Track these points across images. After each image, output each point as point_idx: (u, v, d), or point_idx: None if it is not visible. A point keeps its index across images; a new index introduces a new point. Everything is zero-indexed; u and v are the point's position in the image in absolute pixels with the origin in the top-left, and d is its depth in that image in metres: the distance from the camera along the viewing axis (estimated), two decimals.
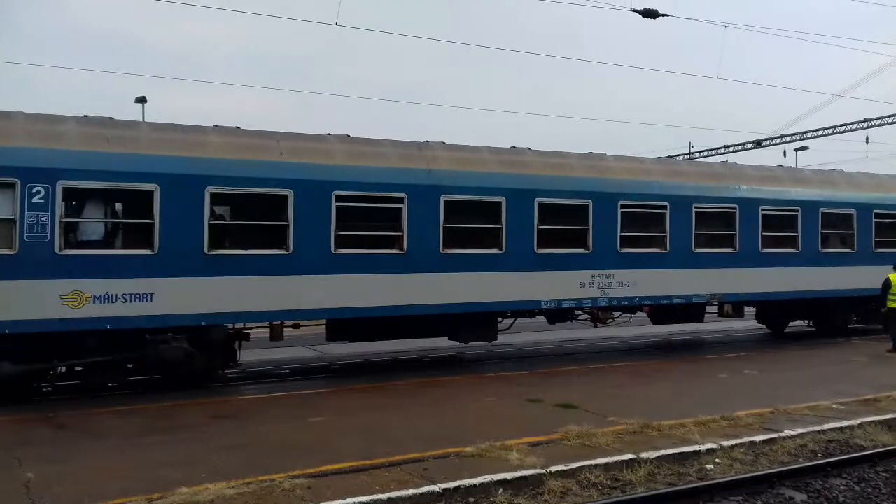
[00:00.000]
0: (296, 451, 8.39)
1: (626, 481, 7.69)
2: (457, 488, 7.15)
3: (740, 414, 10.30)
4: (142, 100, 33.85)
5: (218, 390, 12.64)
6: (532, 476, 7.54)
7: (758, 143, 45.32)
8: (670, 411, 10.34)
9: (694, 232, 16.53)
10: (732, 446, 8.83)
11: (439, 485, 7.16)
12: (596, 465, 7.90)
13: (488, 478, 7.37)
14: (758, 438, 9.16)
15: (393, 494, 6.90)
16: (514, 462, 7.87)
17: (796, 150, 46.53)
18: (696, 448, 8.65)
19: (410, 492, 6.99)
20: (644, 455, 8.27)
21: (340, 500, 6.66)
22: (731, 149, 46.50)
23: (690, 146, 53.10)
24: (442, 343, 18.25)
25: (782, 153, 48.61)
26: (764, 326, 21.70)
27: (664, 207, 16.25)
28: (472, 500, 7.10)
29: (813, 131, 43.41)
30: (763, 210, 17.57)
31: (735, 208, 17.18)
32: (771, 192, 18.00)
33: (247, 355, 15.75)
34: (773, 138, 45.11)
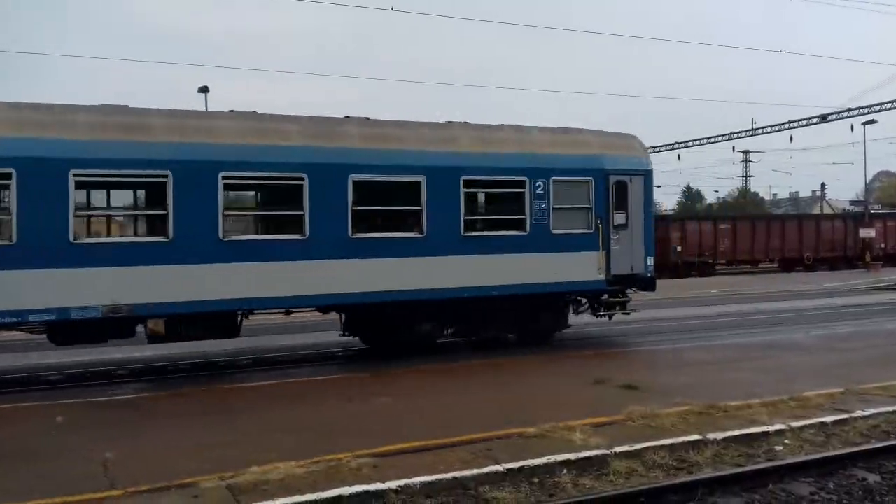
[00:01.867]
0: (358, 432, 8.51)
1: (692, 462, 7.60)
2: (521, 468, 7.17)
3: (809, 394, 10.07)
4: (204, 90, 34.37)
5: (273, 373, 12.87)
6: (596, 457, 7.52)
7: (823, 118, 44.04)
8: (736, 392, 10.16)
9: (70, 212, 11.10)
10: (802, 427, 8.66)
11: (503, 465, 7.19)
12: (661, 446, 7.83)
13: (552, 458, 7.37)
14: (828, 419, 8.96)
15: (458, 474, 6.96)
16: (578, 443, 7.85)
17: (864, 124, 45.14)
18: (764, 429, 8.50)
19: (475, 471, 7.03)
20: (710, 436, 8.16)
21: (406, 479, 6.74)
22: (795, 124, 45.39)
23: (753, 122, 51.91)
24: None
25: (850, 128, 46.99)
26: (358, 339, 14.86)
27: (9, 176, 10.80)
28: (536, 480, 7.10)
29: (882, 104, 42.07)
30: (225, 179, 11.98)
31: (167, 175, 11.65)
32: (248, 150, 12.20)
33: (305, 338, 16.02)
34: (839, 112, 43.81)
